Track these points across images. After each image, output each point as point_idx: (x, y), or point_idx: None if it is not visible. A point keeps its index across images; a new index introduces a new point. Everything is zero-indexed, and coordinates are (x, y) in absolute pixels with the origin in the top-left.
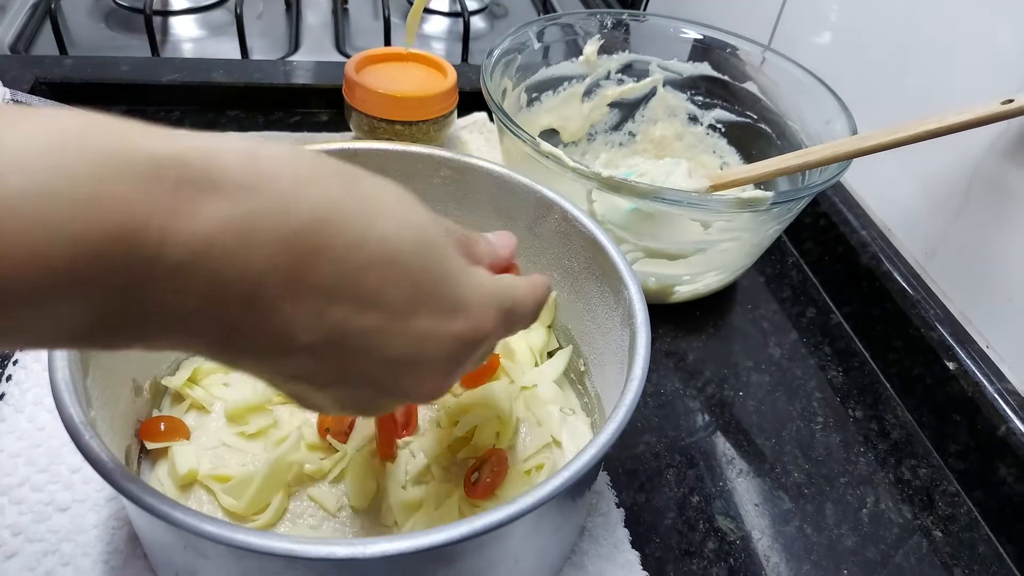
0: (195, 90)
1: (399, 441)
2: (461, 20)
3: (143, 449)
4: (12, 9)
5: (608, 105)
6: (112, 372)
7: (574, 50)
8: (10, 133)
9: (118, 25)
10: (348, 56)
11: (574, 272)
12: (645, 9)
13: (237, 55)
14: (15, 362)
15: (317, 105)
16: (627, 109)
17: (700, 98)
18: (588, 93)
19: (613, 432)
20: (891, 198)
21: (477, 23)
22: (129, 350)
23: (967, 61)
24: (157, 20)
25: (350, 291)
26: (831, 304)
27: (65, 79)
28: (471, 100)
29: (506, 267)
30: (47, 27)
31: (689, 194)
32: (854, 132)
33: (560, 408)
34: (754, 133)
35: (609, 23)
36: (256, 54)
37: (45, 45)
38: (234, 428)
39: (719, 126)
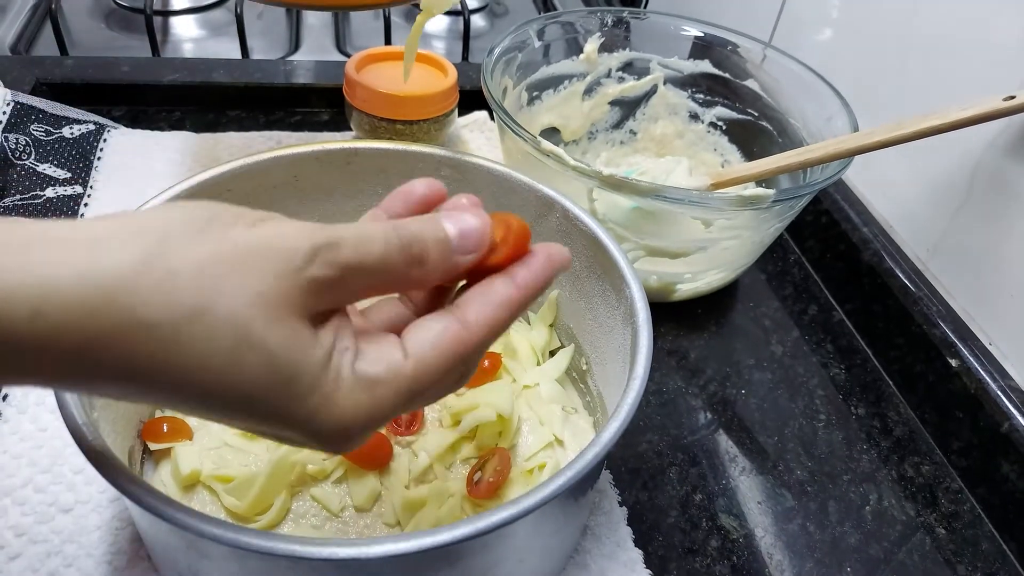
0: (196, 90)
1: (401, 439)
2: (461, 19)
3: (146, 450)
4: (12, 9)
5: (609, 103)
6: None
7: (575, 48)
8: None
9: (118, 25)
10: (348, 55)
11: (575, 271)
12: (646, 7)
13: (238, 55)
14: None
15: (318, 104)
16: (628, 107)
17: (701, 96)
18: (589, 91)
19: (615, 431)
20: (893, 195)
21: (477, 21)
22: None
23: (968, 57)
24: (157, 20)
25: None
26: (833, 301)
27: (66, 79)
28: (472, 99)
29: (488, 260)
30: (47, 27)
31: (690, 192)
32: (855, 129)
33: (562, 407)
34: (755, 131)
35: (610, 21)
36: (257, 54)
37: (46, 45)
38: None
39: (720, 124)
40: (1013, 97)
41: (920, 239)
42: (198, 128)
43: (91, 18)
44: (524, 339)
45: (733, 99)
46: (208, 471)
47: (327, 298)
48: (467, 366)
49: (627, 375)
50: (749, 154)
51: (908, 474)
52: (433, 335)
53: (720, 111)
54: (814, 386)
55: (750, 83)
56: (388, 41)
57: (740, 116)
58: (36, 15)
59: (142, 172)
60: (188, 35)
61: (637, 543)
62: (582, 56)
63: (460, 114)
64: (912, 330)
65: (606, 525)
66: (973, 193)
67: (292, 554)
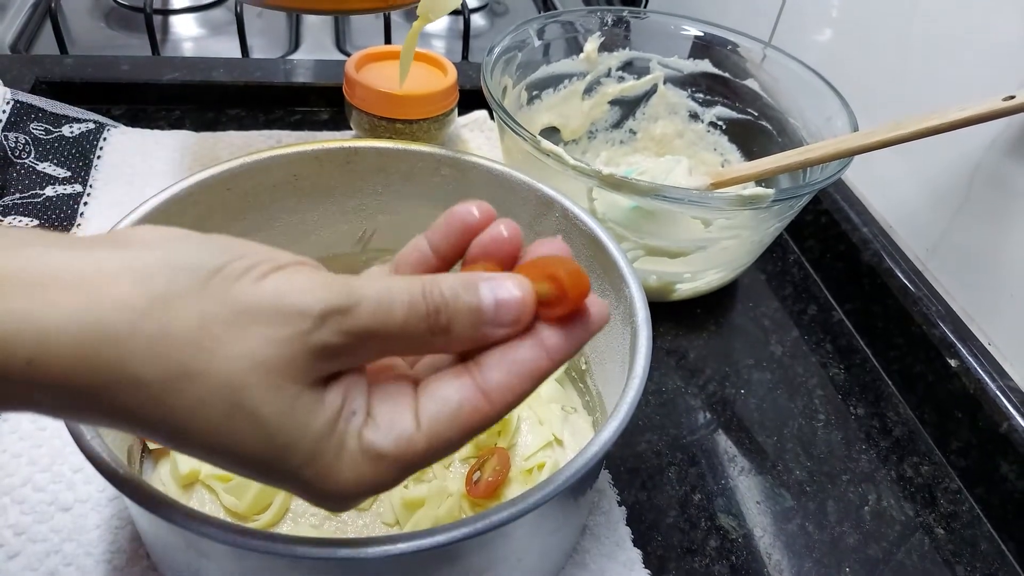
0: (195, 89)
1: None
2: (461, 18)
3: (145, 448)
4: (12, 8)
5: (609, 103)
6: None
7: (574, 47)
8: None
9: (118, 24)
10: (348, 54)
11: None
12: (646, 6)
13: (237, 54)
14: None
15: (317, 103)
16: (628, 107)
17: (701, 95)
18: (588, 91)
19: (615, 430)
20: (892, 195)
21: (477, 21)
22: None
23: (968, 57)
24: (157, 19)
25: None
26: (832, 301)
27: (65, 78)
28: (471, 98)
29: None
30: (47, 26)
31: (690, 192)
32: (855, 129)
33: (561, 406)
34: (755, 130)
35: (609, 20)
36: (256, 53)
37: (45, 44)
38: None
39: (720, 123)
40: (1013, 97)
41: (920, 239)
42: (198, 127)
43: (91, 17)
44: None
45: (733, 99)
46: (207, 470)
47: (336, 363)
48: (480, 433)
49: (626, 374)
50: (749, 154)
51: (907, 474)
52: (450, 410)
53: (720, 111)
54: (813, 386)
55: (750, 83)
56: (388, 40)
57: (740, 116)
58: (36, 14)
59: (142, 171)
60: (188, 34)
61: (636, 543)
62: (582, 55)
63: (460, 113)
64: (911, 330)
65: (605, 525)
66: (972, 193)
67: (291, 553)
